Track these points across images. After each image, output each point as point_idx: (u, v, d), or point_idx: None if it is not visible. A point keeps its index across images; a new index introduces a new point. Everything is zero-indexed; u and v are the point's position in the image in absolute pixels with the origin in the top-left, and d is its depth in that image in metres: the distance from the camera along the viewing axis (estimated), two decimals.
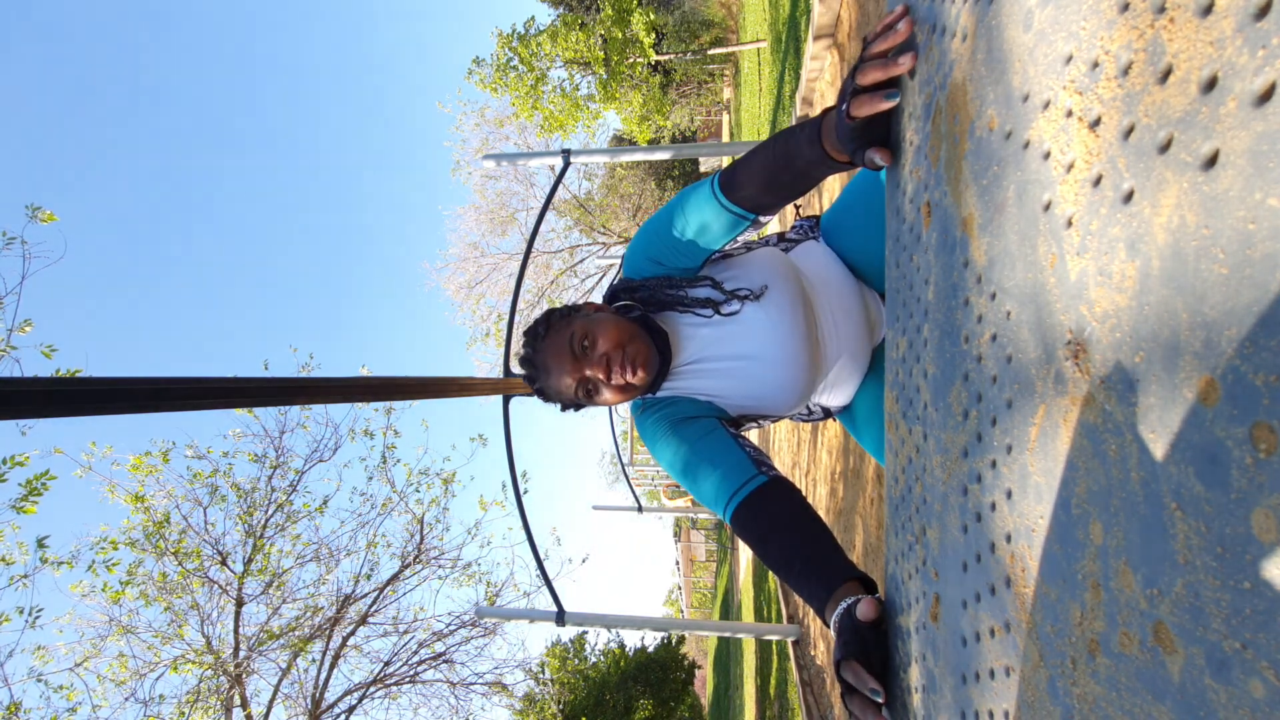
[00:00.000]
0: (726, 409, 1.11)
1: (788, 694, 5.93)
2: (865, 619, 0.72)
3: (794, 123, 0.88)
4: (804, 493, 5.49)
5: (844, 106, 0.71)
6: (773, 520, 0.92)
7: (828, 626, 0.79)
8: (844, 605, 0.76)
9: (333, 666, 7.48)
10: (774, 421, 1.18)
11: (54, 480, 5.10)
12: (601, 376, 1.02)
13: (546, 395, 1.10)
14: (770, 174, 0.90)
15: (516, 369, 1.14)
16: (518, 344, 1.10)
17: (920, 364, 0.65)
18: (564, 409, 1.14)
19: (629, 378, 1.01)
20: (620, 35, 11.72)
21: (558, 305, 1.11)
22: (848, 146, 0.74)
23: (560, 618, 2.63)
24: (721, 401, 1.11)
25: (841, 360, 1.14)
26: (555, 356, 1.04)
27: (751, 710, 9.49)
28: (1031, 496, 0.45)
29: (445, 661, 7.92)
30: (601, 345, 1.02)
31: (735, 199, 0.96)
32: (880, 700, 0.67)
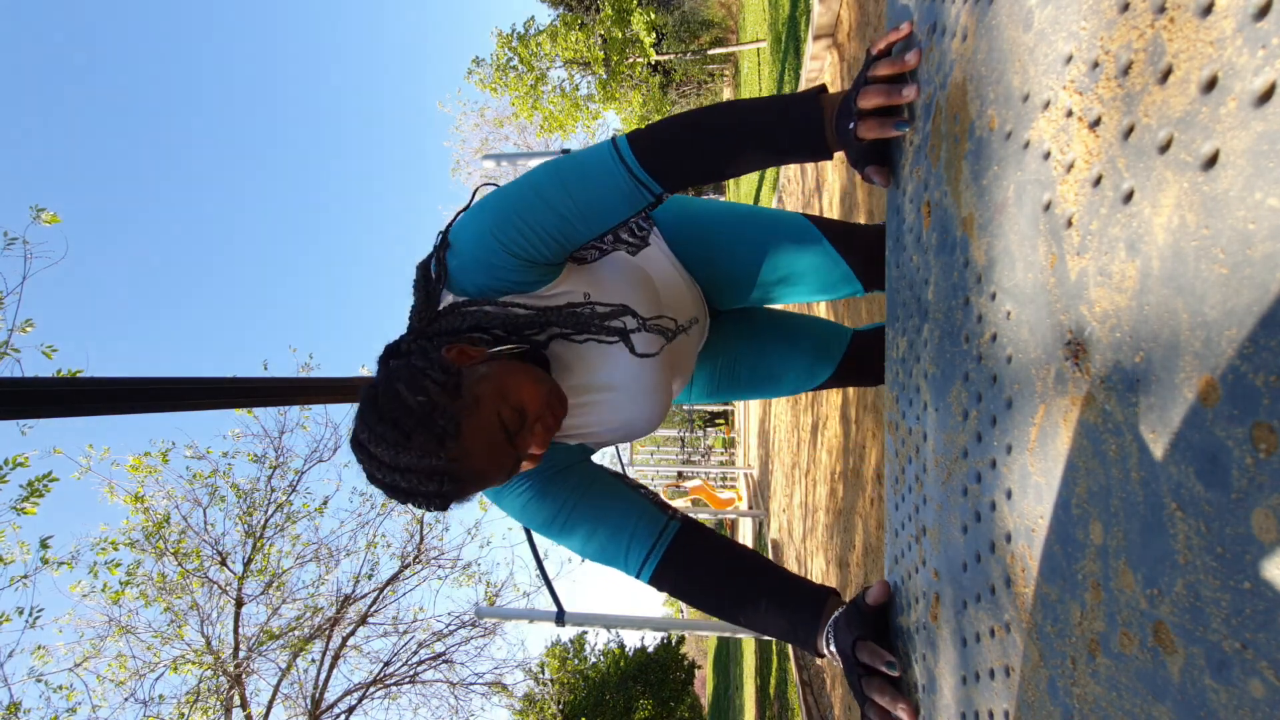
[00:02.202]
0: (591, 445, 0.97)
1: (788, 694, 5.93)
2: (876, 602, 0.72)
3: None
4: (804, 493, 5.48)
5: (851, 125, 0.69)
6: (707, 568, 0.85)
7: (818, 653, 0.77)
8: (840, 611, 0.76)
9: (333, 666, 7.48)
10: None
11: (55, 482, 5.11)
12: (539, 450, 0.79)
13: (454, 501, 0.77)
14: (724, 148, 0.77)
15: (395, 489, 0.74)
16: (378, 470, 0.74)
17: (920, 364, 0.65)
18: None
19: (553, 434, 0.82)
20: (620, 35, 11.73)
21: (394, 365, 0.78)
22: (852, 157, 0.74)
23: (560, 618, 2.63)
24: (591, 439, 0.96)
25: (678, 378, 1.05)
26: (489, 456, 0.75)
27: (751, 710, 9.49)
28: (1031, 496, 0.45)
29: (445, 661, 7.92)
30: (533, 411, 0.78)
31: (655, 172, 0.78)
32: (895, 673, 0.68)
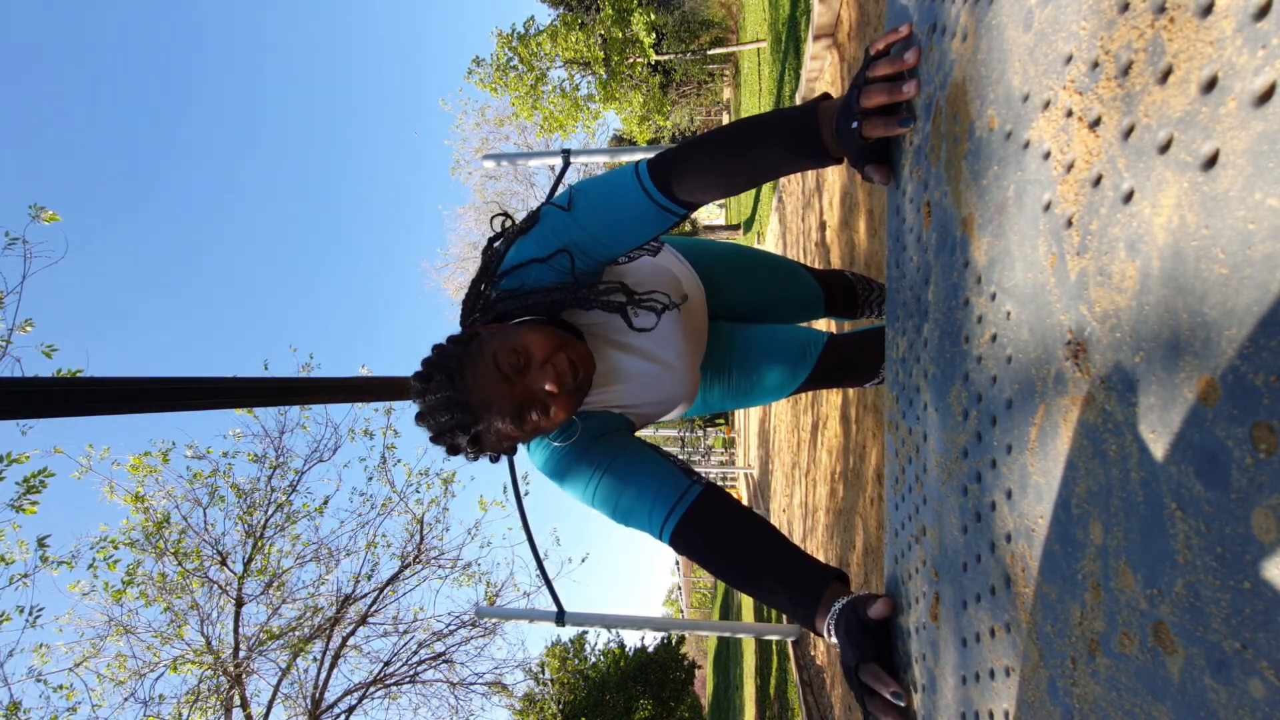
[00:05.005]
0: (632, 419, 1.07)
1: (788, 694, 5.93)
2: (879, 617, 0.72)
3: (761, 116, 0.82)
4: (804, 493, 5.49)
5: (856, 125, 0.70)
6: (722, 533, 0.87)
7: (818, 633, 0.78)
8: (840, 605, 0.75)
9: (333, 666, 7.48)
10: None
11: (52, 477, 5.10)
12: (552, 387, 0.87)
13: (483, 443, 0.90)
14: (734, 167, 0.84)
15: (429, 429, 0.90)
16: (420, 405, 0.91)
17: (920, 364, 0.65)
18: (495, 458, 0.98)
19: (581, 375, 0.90)
20: (620, 35, 11.74)
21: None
22: (854, 158, 0.74)
23: (560, 618, 2.63)
24: (631, 411, 1.06)
25: (698, 355, 1.16)
26: (489, 387, 0.87)
27: (751, 710, 9.49)
28: (1031, 496, 0.45)
29: (445, 661, 7.92)
30: (538, 354, 0.88)
31: (675, 194, 0.87)
32: (903, 704, 0.67)
